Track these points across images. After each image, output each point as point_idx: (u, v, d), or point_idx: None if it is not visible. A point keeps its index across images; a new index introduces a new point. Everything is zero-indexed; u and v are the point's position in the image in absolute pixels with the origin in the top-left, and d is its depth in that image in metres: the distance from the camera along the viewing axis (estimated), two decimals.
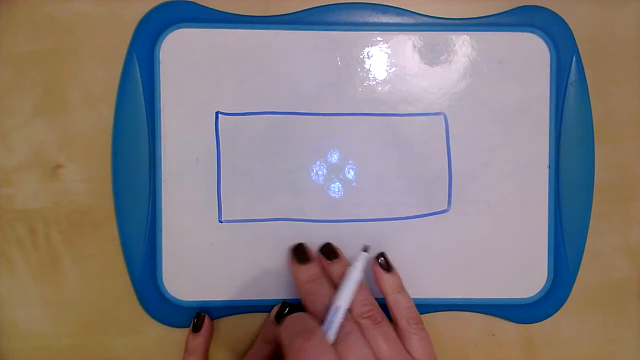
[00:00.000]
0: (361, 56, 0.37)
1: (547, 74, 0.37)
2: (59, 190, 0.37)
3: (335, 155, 0.37)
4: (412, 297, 0.35)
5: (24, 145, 0.37)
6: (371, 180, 0.37)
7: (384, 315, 0.33)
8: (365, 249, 0.34)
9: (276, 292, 0.37)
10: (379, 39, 0.37)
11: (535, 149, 0.37)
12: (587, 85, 0.37)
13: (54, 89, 0.37)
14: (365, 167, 0.37)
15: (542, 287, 0.37)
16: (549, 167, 0.37)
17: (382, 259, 0.35)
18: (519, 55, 0.37)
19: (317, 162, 0.37)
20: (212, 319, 0.37)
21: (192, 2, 0.36)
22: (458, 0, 0.37)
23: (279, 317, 0.35)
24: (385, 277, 0.35)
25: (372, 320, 0.32)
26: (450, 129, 0.37)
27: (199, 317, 0.36)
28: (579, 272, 0.38)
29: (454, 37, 0.37)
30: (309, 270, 0.34)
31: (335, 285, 0.33)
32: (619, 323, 0.39)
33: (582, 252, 0.38)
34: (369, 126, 0.37)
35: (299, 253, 0.35)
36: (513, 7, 0.37)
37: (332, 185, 0.37)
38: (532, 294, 0.37)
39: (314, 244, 0.36)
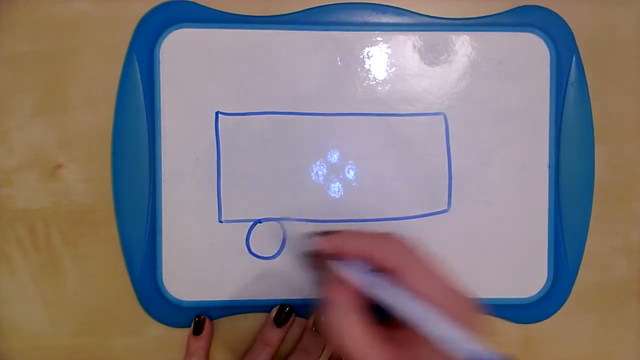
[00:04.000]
0: (361, 56, 0.36)
1: (547, 74, 0.37)
2: (59, 190, 0.37)
3: (335, 155, 0.37)
4: None
5: (24, 145, 0.37)
6: (371, 180, 0.37)
7: None
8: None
9: (276, 292, 0.37)
10: (379, 39, 0.37)
11: (535, 149, 0.37)
12: (587, 85, 0.37)
13: (54, 89, 0.36)
14: (365, 167, 0.37)
15: (542, 287, 0.37)
16: (549, 167, 0.37)
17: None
18: (519, 55, 0.37)
19: (317, 162, 0.37)
20: (212, 319, 0.37)
21: (192, 2, 0.36)
22: (458, 0, 0.37)
23: (278, 319, 0.35)
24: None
25: None
26: (450, 129, 0.37)
27: (199, 319, 0.36)
28: (578, 273, 0.38)
29: (454, 37, 0.37)
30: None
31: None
32: (619, 323, 0.39)
33: (582, 252, 0.38)
34: (369, 126, 0.37)
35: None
36: (513, 7, 0.37)
37: (332, 185, 0.37)
38: (532, 294, 0.37)
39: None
